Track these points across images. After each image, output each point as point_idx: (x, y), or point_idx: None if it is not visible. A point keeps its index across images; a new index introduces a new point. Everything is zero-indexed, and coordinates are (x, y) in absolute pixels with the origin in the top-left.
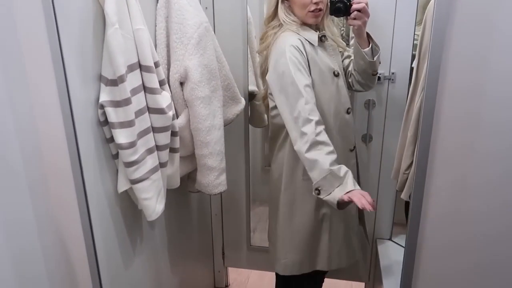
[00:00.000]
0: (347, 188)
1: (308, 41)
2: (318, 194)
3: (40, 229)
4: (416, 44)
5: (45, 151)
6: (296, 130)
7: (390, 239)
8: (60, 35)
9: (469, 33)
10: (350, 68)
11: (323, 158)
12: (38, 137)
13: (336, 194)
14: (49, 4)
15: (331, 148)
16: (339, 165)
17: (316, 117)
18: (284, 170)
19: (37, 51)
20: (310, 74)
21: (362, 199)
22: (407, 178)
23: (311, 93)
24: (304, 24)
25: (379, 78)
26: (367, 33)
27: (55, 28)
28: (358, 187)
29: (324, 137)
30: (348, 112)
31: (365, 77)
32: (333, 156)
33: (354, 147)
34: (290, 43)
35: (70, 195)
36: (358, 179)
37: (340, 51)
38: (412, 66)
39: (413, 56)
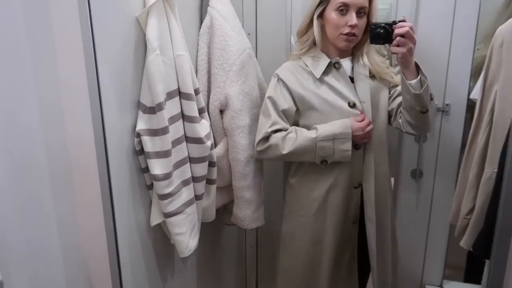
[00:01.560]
0: (343, 135)
1: (312, 71)
2: (326, 162)
3: (66, 259)
4: (475, 72)
5: (76, 178)
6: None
7: (440, 286)
8: (98, 59)
9: None
10: (400, 107)
11: (297, 141)
12: (70, 165)
13: (342, 152)
14: (88, 28)
15: (287, 131)
16: (311, 132)
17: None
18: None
19: (73, 76)
20: (296, 104)
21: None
22: (467, 224)
23: (280, 120)
24: (334, 47)
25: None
26: (415, 62)
27: (92, 52)
28: (339, 123)
29: (278, 135)
30: (357, 148)
31: (413, 116)
32: (294, 132)
33: (360, 184)
34: (279, 71)
35: (99, 226)
36: (361, 217)
37: (392, 86)
38: (471, 97)
39: (472, 86)
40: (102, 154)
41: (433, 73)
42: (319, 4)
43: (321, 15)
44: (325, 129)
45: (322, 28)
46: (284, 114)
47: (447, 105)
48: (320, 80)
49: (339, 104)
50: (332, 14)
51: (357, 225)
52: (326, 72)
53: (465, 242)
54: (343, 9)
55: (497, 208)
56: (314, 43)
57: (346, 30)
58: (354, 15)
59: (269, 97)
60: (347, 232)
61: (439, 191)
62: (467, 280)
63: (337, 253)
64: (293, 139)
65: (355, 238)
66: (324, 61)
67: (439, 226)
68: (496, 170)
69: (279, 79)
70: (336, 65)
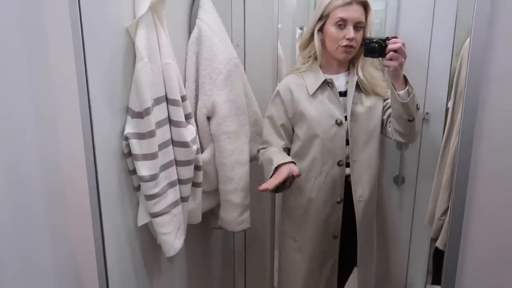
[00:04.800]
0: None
1: (307, 87)
2: None
3: (54, 256)
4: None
5: (65, 183)
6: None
7: None
8: (88, 68)
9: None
10: (390, 117)
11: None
12: (60, 169)
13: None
14: (79, 38)
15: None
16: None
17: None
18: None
19: (65, 85)
20: (290, 119)
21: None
22: (442, 225)
23: (275, 136)
24: (334, 59)
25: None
26: (403, 75)
27: (83, 61)
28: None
29: (262, 151)
30: (339, 164)
31: (402, 124)
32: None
33: (342, 199)
34: (279, 87)
35: (87, 226)
36: (345, 232)
37: (385, 99)
38: (448, 106)
39: (450, 96)
40: (90, 157)
41: (413, 83)
42: (319, 19)
43: (321, 30)
44: (272, 155)
45: (322, 42)
46: (283, 128)
47: (427, 113)
48: (314, 96)
49: (325, 121)
50: (331, 29)
51: (338, 240)
52: (320, 89)
53: (441, 242)
54: (342, 24)
55: None
56: (315, 58)
57: (344, 42)
58: (351, 29)
59: (269, 117)
60: (327, 246)
61: (420, 196)
62: (434, 282)
63: (314, 265)
64: (263, 152)
65: (336, 253)
66: (320, 78)
67: (421, 231)
68: None
69: (279, 96)
70: (330, 84)
